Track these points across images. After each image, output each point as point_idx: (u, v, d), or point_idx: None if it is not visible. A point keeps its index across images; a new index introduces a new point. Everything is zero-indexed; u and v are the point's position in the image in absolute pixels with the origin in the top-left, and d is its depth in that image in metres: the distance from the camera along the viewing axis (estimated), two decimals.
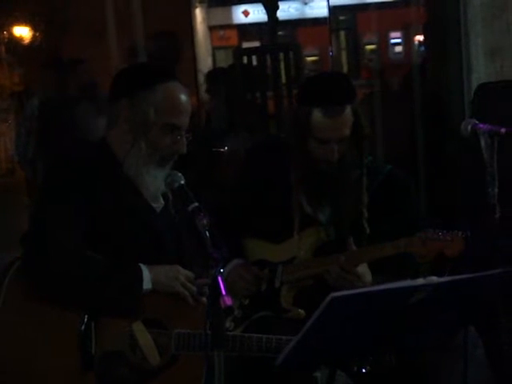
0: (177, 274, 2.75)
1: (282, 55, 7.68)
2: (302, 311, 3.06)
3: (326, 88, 3.06)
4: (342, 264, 2.97)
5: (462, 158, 4.50)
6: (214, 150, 5.95)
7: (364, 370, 2.38)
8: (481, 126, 2.94)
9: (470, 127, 2.98)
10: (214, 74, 7.43)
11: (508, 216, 2.95)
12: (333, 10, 7.78)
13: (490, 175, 2.90)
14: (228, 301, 2.25)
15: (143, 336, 2.69)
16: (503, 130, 2.90)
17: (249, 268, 3.19)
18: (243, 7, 14.60)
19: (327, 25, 7.71)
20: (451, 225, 2.98)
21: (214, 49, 14.21)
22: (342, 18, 14.10)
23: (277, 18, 8.59)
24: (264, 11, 8.79)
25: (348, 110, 3.01)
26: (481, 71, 4.99)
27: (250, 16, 14.56)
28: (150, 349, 2.69)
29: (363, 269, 3.00)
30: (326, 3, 7.15)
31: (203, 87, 7.02)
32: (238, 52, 8.83)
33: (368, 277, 3.00)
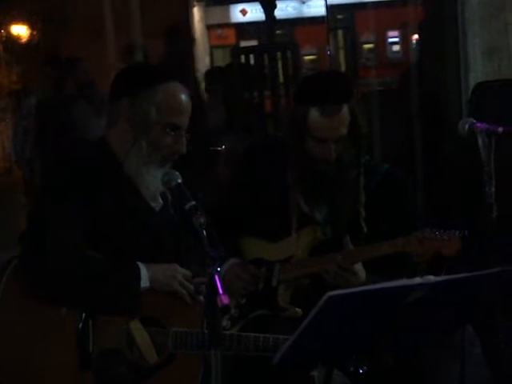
0: (174, 273, 2.75)
1: (279, 54, 7.69)
2: (299, 310, 3.06)
3: (323, 87, 3.06)
4: (339, 262, 2.97)
5: (460, 157, 4.50)
6: (211, 148, 5.95)
7: (361, 371, 2.38)
8: (478, 125, 2.94)
9: (467, 126, 2.98)
10: (212, 73, 7.44)
11: (505, 215, 2.95)
12: (331, 8, 7.79)
13: (487, 174, 2.89)
14: (225, 299, 2.24)
15: (141, 334, 2.69)
16: (500, 129, 2.90)
17: (246, 267, 3.19)
18: (241, 6, 14.61)
19: (325, 24, 7.71)
20: (448, 224, 2.98)
21: (212, 48, 14.22)
22: (339, 16, 14.12)
23: (274, 17, 8.57)
24: (262, 10, 8.77)
25: (345, 109, 3.01)
26: (478, 70, 5.00)
27: (247, 15, 14.57)
28: (148, 347, 2.69)
29: (358, 266, 3.00)
30: (323, 2, 7.15)
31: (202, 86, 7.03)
32: (236, 51, 8.82)
33: (362, 274, 3.00)
